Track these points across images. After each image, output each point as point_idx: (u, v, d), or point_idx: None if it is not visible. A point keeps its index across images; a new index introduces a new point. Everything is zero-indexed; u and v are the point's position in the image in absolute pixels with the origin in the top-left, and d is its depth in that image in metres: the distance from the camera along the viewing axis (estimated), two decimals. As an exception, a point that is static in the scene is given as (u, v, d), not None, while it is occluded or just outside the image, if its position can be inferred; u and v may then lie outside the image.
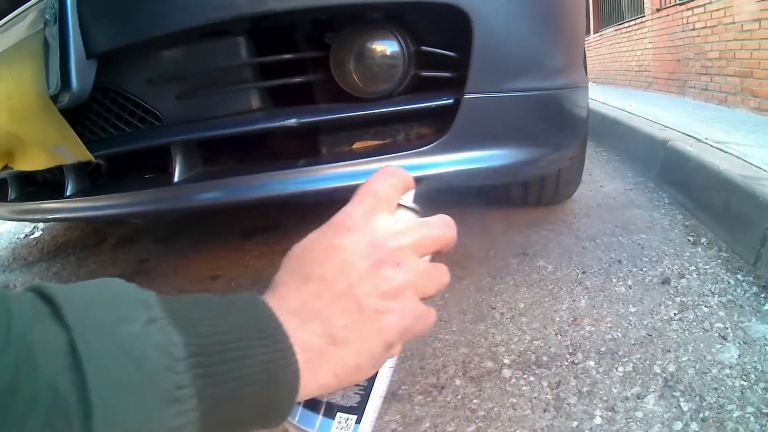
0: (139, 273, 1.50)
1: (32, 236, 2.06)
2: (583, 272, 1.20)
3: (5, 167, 1.27)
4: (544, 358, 0.86)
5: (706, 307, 1.00)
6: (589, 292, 1.09)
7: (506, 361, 0.87)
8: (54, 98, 0.96)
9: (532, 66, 1.01)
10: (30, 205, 1.27)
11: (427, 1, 0.89)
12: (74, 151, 1.03)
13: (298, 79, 1.00)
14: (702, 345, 0.88)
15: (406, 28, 0.93)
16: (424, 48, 0.93)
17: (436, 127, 0.97)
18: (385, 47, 0.93)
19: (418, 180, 0.45)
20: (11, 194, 1.38)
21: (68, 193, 1.15)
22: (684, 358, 0.84)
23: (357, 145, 1.01)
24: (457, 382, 0.83)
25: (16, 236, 2.10)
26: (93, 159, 1.03)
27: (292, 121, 0.96)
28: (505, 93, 0.97)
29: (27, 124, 1.02)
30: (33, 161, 1.11)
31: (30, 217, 1.29)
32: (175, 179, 1.03)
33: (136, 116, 1.06)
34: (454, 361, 0.87)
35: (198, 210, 1.21)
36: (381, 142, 1.00)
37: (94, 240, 1.87)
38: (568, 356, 0.86)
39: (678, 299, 1.04)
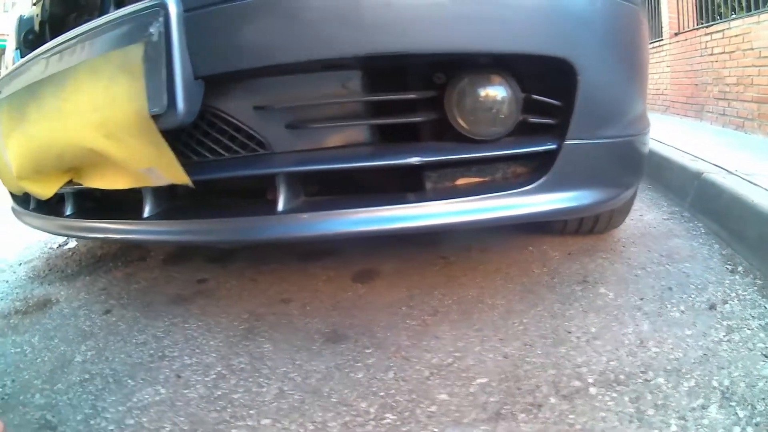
0: (201, 294, 1.42)
1: (66, 246, 1.94)
2: (641, 299, 1.24)
3: (69, 182, 1.16)
4: (621, 377, 0.93)
5: (748, 329, 1.09)
6: (649, 317, 1.14)
7: (590, 380, 0.93)
8: (155, 118, 0.87)
9: (619, 114, 1.06)
10: (95, 223, 1.18)
11: (539, 54, 0.91)
12: (168, 174, 0.94)
13: (414, 119, 0.99)
14: (749, 362, 0.97)
15: (516, 74, 0.95)
16: (533, 96, 0.96)
17: (533, 168, 0.99)
18: (499, 92, 0.94)
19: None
20: (68, 209, 1.27)
21: (147, 215, 1.05)
22: (735, 374, 0.93)
23: (460, 182, 1.00)
24: (552, 400, 0.88)
25: (47, 246, 1.97)
26: (190, 183, 0.93)
27: (415, 160, 0.94)
28: (598, 140, 1.01)
29: (117, 143, 0.93)
30: (113, 180, 1.02)
31: (93, 235, 1.19)
32: (280, 209, 0.94)
33: (236, 141, 0.98)
34: (546, 382, 0.93)
35: (299, 241, 1.13)
36: (483, 179, 1.01)
37: (137, 254, 1.78)
38: (641, 374, 0.94)
39: (724, 323, 1.12)
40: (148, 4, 0.89)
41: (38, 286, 1.64)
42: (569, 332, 1.10)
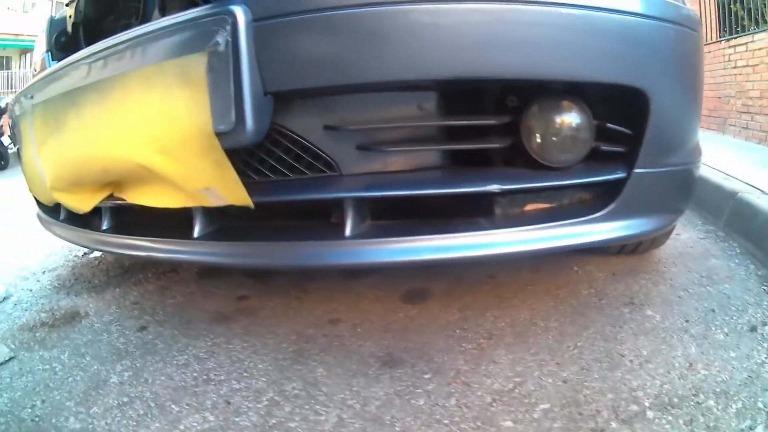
0: (244, 312, 1.31)
1: (92, 255, 1.81)
2: (686, 321, 1.21)
3: (109, 196, 1.05)
4: (675, 400, 0.91)
5: (788, 351, 1.07)
6: (695, 340, 1.12)
7: (647, 403, 0.91)
8: (219, 136, 0.76)
9: (681, 142, 1.04)
10: (138, 240, 1.07)
11: (615, 83, 0.87)
12: (229, 194, 0.83)
13: (492, 145, 0.93)
14: (791, 384, 0.95)
15: (589, 102, 0.91)
16: (607, 124, 0.93)
17: (599, 195, 0.96)
18: (574, 119, 0.91)
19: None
20: (105, 223, 1.16)
21: (197, 235, 0.95)
22: (779, 395, 0.92)
23: (529, 207, 0.96)
24: (613, 425, 0.86)
25: (72, 253, 1.85)
26: (252, 205, 0.83)
27: (494, 187, 0.87)
28: (662, 168, 0.98)
29: (173, 159, 0.82)
30: (163, 198, 0.91)
31: (134, 253, 1.08)
32: (347, 234, 0.84)
33: (302, 162, 0.87)
34: (605, 407, 0.90)
35: (364, 267, 1.03)
36: (550, 205, 0.96)
37: (168, 266, 1.66)
38: (692, 397, 0.92)
39: (765, 345, 1.09)
40: (212, 11, 0.78)
41: (64, 297, 1.53)
42: (622, 355, 1.06)
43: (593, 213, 0.92)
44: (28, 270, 1.80)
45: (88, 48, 0.98)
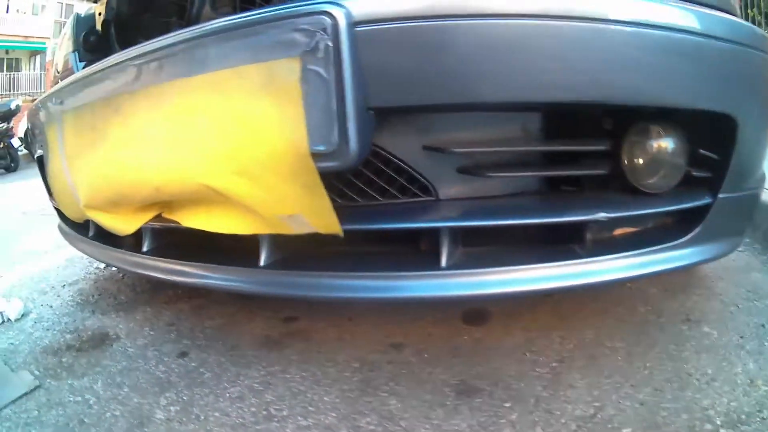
0: (294, 336, 1.16)
1: (114, 269, 1.63)
2: (741, 337, 1.16)
3: (156, 217, 0.90)
4: (743, 416, 0.88)
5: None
6: (752, 356, 1.07)
7: (718, 422, 0.88)
8: (315, 157, 0.63)
9: (757, 167, 1.03)
10: (189, 267, 0.91)
11: (709, 109, 0.84)
12: (317, 222, 0.69)
13: (596, 171, 0.87)
14: None
15: (682, 128, 0.88)
16: (700, 150, 0.90)
17: (682, 220, 0.93)
18: (671, 144, 0.88)
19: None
20: (146, 245, 1.00)
21: (264, 263, 0.80)
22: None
23: (617, 232, 0.91)
24: None
25: (94, 265, 1.67)
26: (341, 233, 0.69)
27: (601, 216, 0.80)
28: (740, 192, 0.97)
29: (253, 182, 0.68)
30: (231, 224, 0.77)
31: (184, 280, 0.93)
32: (443, 264, 0.71)
33: (395, 185, 0.74)
34: (683, 427, 0.87)
35: (456, 302, 0.91)
36: (636, 229, 0.92)
37: (200, 281, 1.48)
38: (757, 413, 0.89)
39: None
40: (304, 9, 0.63)
41: (90, 316, 1.36)
42: (690, 374, 1.00)
43: (679, 238, 0.88)
44: (46, 282, 1.61)
45: (135, 48, 0.82)
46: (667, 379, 0.98)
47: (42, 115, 1.08)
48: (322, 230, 0.71)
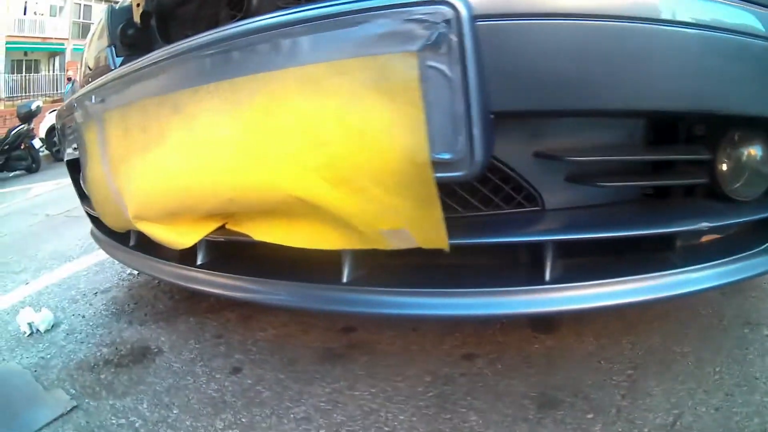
0: (356, 348, 1.07)
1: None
2: None
3: (220, 229, 0.81)
4: None
5: None
6: None
7: None
8: (435, 166, 0.53)
9: None
10: (255, 283, 0.81)
11: None
12: (423, 237, 0.61)
13: (698, 180, 0.83)
14: None
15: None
16: None
17: (760, 226, 0.89)
18: (760, 152, 0.83)
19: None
20: (200, 257, 0.90)
21: (347, 279, 0.71)
22: None
23: (704, 239, 0.87)
24: None
25: (126, 271, 1.55)
26: (448, 249, 0.61)
27: (703, 225, 0.75)
28: None
29: (354, 194, 0.59)
30: (318, 239, 0.68)
31: (252, 297, 0.84)
32: (548, 277, 0.64)
33: (500, 193, 0.65)
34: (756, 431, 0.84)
35: (564, 314, 0.84)
36: (720, 236, 0.88)
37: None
38: None
39: None
40: (419, -3, 0.54)
41: (126, 326, 1.26)
42: (756, 378, 0.97)
43: (762, 245, 0.84)
44: (76, 290, 1.50)
45: (196, 37, 0.71)
46: (737, 384, 0.95)
47: (78, 114, 0.97)
48: (427, 246, 0.62)
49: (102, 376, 1.06)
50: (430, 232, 0.59)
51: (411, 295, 0.69)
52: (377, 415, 0.86)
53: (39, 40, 16.49)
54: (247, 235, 0.76)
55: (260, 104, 0.62)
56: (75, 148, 1.06)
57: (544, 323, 1.12)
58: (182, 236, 0.80)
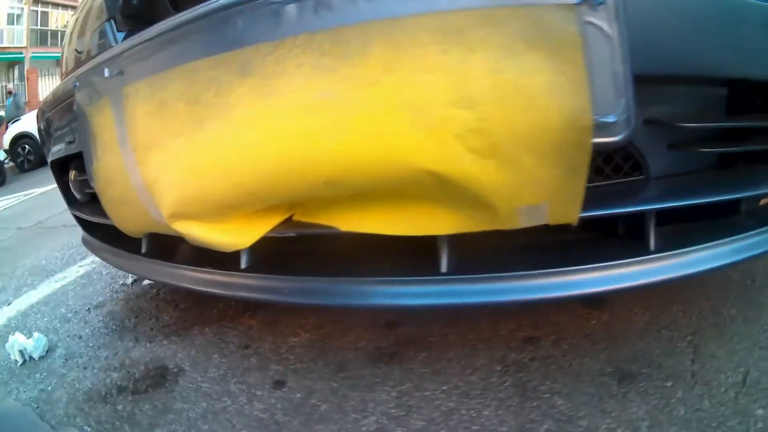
0: (409, 344, 0.94)
1: (145, 282, 1.32)
2: None
3: (289, 220, 0.67)
4: None
5: None
6: None
7: None
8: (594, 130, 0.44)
9: None
10: (317, 282, 0.69)
11: None
12: (559, 213, 0.51)
13: None
14: None
15: None
16: None
17: None
18: None
19: None
20: (244, 260, 0.76)
21: (445, 269, 0.61)
22: None
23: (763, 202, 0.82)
24: None
25: (118, 282, 1.34)
26: (575, 222, 0.52)
27: None
28: None
29: (503, 164, 0.48)
30: (427, 223, 0.56)
31: (326, 302, 0.70)
32: (652, 248, 0.62)
33: (611, 163, 0.57)
34: None
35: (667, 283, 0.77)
36: None
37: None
38: None
39: None
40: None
41: (133, 345, 1.08)
42: None
43: None
44: (66, 307, 1.28)
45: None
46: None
47: (83, 95, 0.78)
48: (556, 221, 0.52)
49: (119, 407, 0.89)
50: (568, 205, 0.49)
51: (521, 279, 0.59)
52: (459, 415, 0.75)
53: (-8, 50, 15.59)
54: (327, 226, 0.63)
55: (379, 58, 0.49)
56: (70, 142, 0.87)
57: (592, 299, 1.06)
58: (236, 235, 0.65)
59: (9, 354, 1.09)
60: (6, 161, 6.47)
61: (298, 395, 0.85)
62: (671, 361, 0.85)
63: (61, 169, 1.09)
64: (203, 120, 0.59)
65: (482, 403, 0.77)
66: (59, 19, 16.55)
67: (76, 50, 0.92)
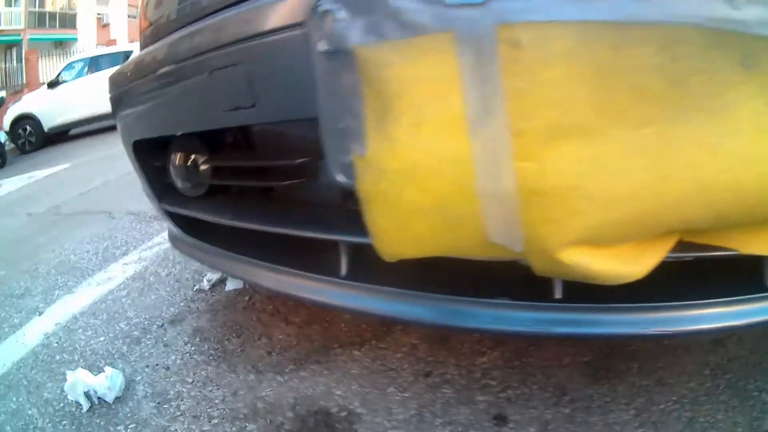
0: (613, 357, 0.77)
1: (228, 288, 0.95)
2: None
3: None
4: None
5: None
6: None
7: None
8: None
9: None
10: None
11: None
12: None
13: None
14: None
15: None
16: None
17: None
18: None
19: None
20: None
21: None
22: None
23: None
24: None
25: (189, 285, 0.96)
26: None
27: None
28: None
29: None
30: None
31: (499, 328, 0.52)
32: None
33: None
34: None
35: None
36: None
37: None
38: None
39: None
40: None
41: (256, 378, 0.76)
42: None
43: None
44: (126, 321, 0.92)
45: None
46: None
47: (347, 31, 0.45)
48: None
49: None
50: None
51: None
52: (700, 423, 0.64)
53: (-10, 32, 14.46)
54: (725, 248, 0.44)
55: None
56: (236, 108, 0.54)
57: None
58: (629, 264, 0.43)
59: (66, 394, 0.73)
60: (6, 143, 6.06)
61: (532, 430, 0.66)
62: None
63: (144, 153, 0.72)
64: (685, 111, 0.35)
65: (713, 407, 0.66)
66: (56, 0, 15.91)
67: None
